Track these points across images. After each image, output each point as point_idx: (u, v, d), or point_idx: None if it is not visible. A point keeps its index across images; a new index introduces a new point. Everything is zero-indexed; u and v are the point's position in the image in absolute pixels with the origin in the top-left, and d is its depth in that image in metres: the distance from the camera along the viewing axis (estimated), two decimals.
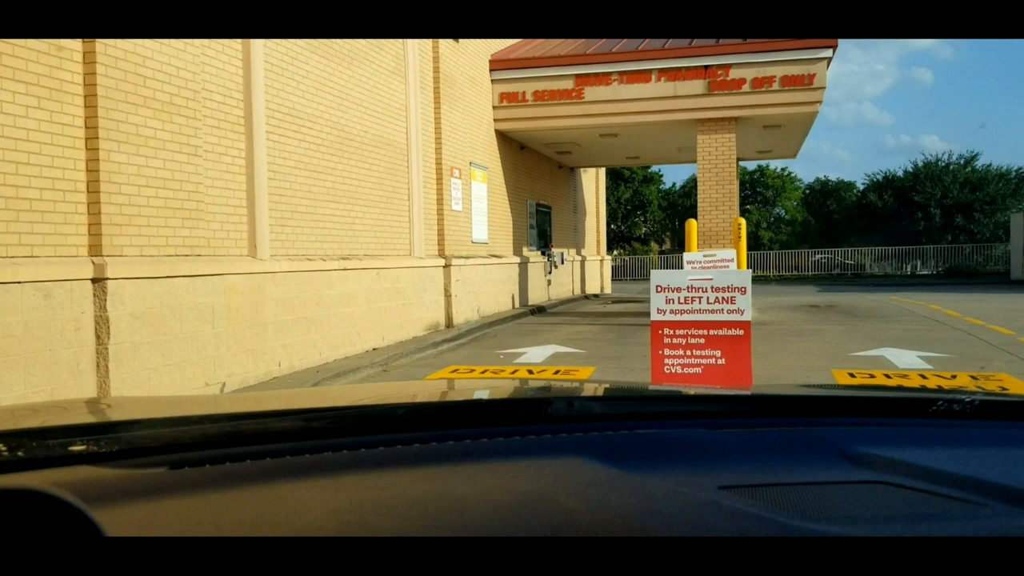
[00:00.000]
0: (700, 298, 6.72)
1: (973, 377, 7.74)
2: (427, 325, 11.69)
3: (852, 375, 7.95)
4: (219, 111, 7.35)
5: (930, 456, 1.01)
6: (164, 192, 6.45)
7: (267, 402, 1.43)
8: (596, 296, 21.64)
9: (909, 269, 36.33)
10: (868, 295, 20.99)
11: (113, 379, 5.83)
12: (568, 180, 20.73)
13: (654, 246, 41.78)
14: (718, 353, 6.68)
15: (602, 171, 24.14)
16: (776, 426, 1.15)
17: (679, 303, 6.76)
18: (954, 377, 7.84)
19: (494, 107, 14.70)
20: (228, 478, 0.89)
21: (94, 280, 5.75)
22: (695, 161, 19.63)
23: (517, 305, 15.75)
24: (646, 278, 36.60)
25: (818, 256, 38.12)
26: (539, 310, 15.88)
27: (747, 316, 6.65)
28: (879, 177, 40.38)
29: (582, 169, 21.75)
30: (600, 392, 1.58)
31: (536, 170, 17.81)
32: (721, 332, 6.71)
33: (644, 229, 42.19)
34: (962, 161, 38.20)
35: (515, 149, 16.22)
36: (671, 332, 6.78)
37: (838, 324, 12.83)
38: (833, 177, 50.53)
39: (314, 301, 8.71)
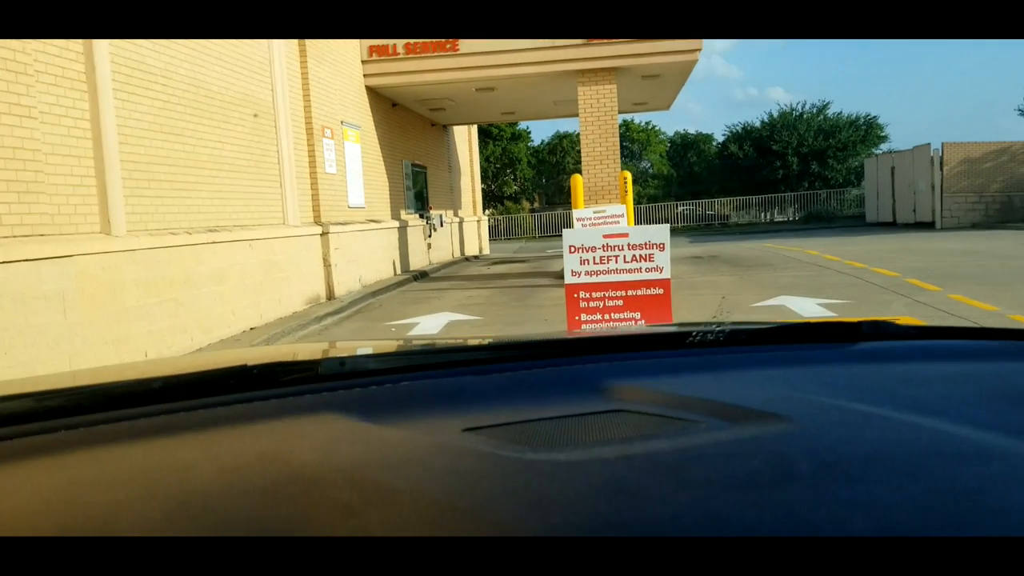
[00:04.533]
0: (616, 257, 6.26)
1: None
2: (307, 298, 10.82)
3: None
4: (55, 65, 6.27)
5: (671, 383, 1.07)
6: None
7: (36, 384, 1.20)
8: (476, 258, 21.08)
9: (768, 217, 37.56)
10: (742, 243, 21.33)
11: None
12: (441, 138, 19.96)
13: (525, 204, 41.45)
14: (637, 315, 6.27)
15: (474, 128, 23.44)
16: (538, 367, 1.16)
17: (594, 263, 6.29)
18: None
19: (363, 61, 13.75)
20: None
21: None
22: (572, 115, 19.30)
23: (399, 271, 15.00)
24: (519, 237, 36.37)
25: (681, 208, 38.95)
26: (422, 275, 15.18)
27: (666, 274, 6.25)
28: (739, 128, 41.38)
29: (454, 127, 21.02)
30: (389, 349, 1.57)
31: (409, 129, 16.97)
32: (640, 292, 6.29)
33: (515, 187, 41.82)
34: (815, 110, 39.58)
35: (387, 107, 15.33)
36: (587, 295, 6.31)
37: (727, 275, 12.76)
38: (691, 130, 51.45)
39: (181, 280, 7.76)
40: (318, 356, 1.28)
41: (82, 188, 6.54)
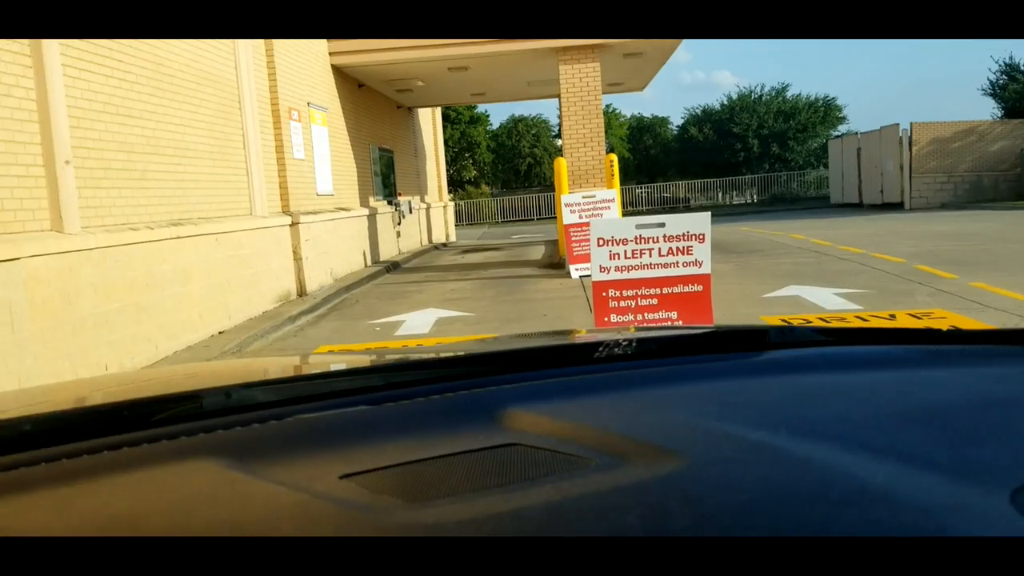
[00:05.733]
0: (650, 250, 5.54)
1: (916, 316, 7.08)
2: (278, 296, 9.94)
3: (786, 322, 7.09)
4: None
5: (569, 409, 0.97)
6: None
7: None
8: (444, 245, 20.22)
9: (728, 199, 37.30)
10: (718, 227, 20.77)
11: None
12: (407, 121, 19.04)
13: (485, 188, 40.50)
14: (674, 315, 5.57)
15: (438, 111, 22.54)
16: (435, 393, 1.02)
17: (625, 257, 5.55)
18: (893, 317, 7.16)
19: (330, 39, 12.82)
20: None
21: None
22: (546, 96, 18.54)
23: (369, 263, 14.13)
24: (481, 223, 35.54)
25: (639, 191, 38.59)
26: (394, 266, 14.32)
27: (706, 268, 5.56)
28: (698, 111, 40.99)
29: (418, 110, 20.10)
30: (287, 371, 1.46)
31: (376, 111, 16.03)
32: (676, 289, 5.57)
33: (474, 172, 40.85)
34: (774, 92, 39.32)
35: (353, 87, 14.39)
36: (617, 294, 5.58)
37: (723, 262, 12.11)
38: (645, 114, 50.78)
39: (143, 282, 6.85)
40: (207, 387, 1.10)
41: (28, 179, 5.62)
